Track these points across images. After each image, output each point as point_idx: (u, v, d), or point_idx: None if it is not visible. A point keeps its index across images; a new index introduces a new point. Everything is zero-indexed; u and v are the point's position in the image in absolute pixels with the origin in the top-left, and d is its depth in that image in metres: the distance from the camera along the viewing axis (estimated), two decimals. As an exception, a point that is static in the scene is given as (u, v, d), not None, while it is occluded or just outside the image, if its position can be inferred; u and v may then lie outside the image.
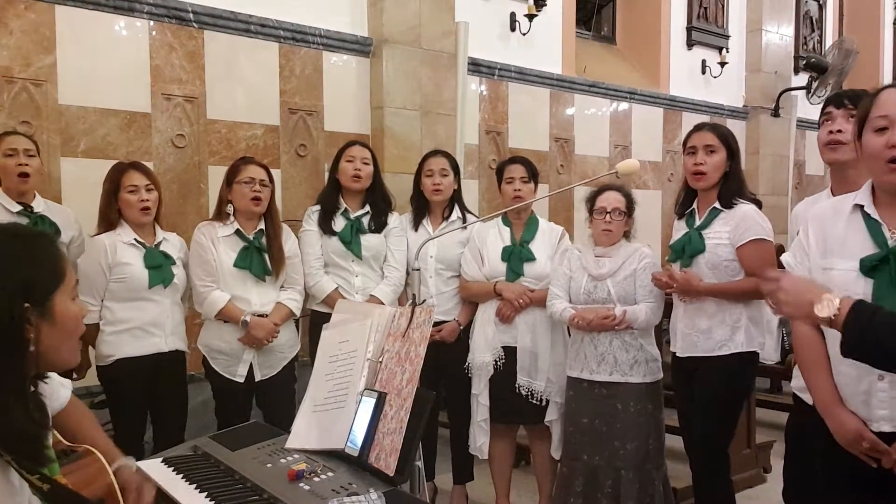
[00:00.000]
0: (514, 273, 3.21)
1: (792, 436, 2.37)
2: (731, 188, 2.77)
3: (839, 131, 2.29)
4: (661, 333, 3.17)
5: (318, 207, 3.38)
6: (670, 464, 3.11)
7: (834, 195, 2.31)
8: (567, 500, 3.03)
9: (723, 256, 2.72)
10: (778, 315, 1.68)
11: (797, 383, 2.32)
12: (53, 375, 1.59)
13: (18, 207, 2.97)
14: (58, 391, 1.59)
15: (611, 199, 2.99)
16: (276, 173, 4.17)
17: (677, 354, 2.86)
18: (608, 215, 2.97)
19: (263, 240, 3.10)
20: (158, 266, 2.95)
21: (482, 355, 3.21)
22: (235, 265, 3.04)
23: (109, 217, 2.96)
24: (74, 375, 3.18)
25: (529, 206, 3.29)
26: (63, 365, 1.28)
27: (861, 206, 1.80)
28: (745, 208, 2.74)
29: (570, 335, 3.17)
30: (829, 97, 2.46)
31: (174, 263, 3.02)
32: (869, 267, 1.72)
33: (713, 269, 2.73)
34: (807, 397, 2.22)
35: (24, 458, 1.15)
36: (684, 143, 2.89)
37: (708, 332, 2.74)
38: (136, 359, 2.94)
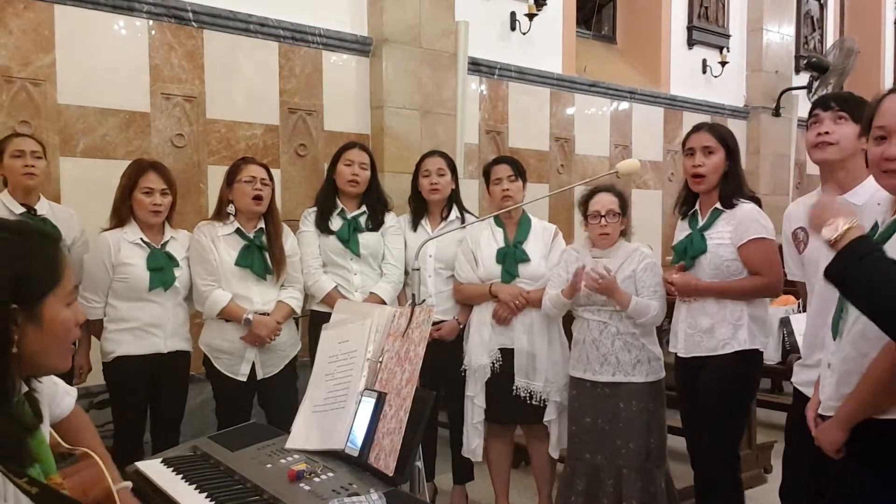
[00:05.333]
0: (509, 274, 3.20)
1: (792, 431, 2.39)
2: (731, 188, 2.77)
3: (826, 133, 2.29)
4: (663, 333, 3.16)
5: (314, 209, 3.38)
6: (671, 464, 3.10)
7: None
8: (569, 499, 3.03)
9: (724, 256, 2.72)
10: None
11: (797, 378, 2.34)
12: (59, 382, 1.57)
13: (22, 210, 2.99)
14: (62, 398, 1.57)
15: (604, 202, 2.98)
16: (275, 173, 4.17)
17: (680, 355, 2.85)
18: (603, 218, 2.96)
19: (264, 238, 3.11)
20: (160, 268, 2.97)
21: (479, 357, 3.20)
22: (237, 264, 3.05)
23: (121, 213, 2.99)
24: (75, 379, 3.20)
25: (522, 206, 3.29)
26: (50, 370, 1.24)
27: (878, 205, 1.84)
28: (745, 208, 2.74)
29: (571, 337, 3.17)
30: (815, 100, 2.46)
31: (177, 265, 3.03)
32: None
33: (715, 269, 2.73)
34: (805, 390, 2.26)
35: (6, 459, 1.11)
36: (683, 144, 2.89)
37: (710, 332, 2.74)
38: (136, 357, 2.96)
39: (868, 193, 2.15)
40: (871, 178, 2.20)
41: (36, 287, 1.15)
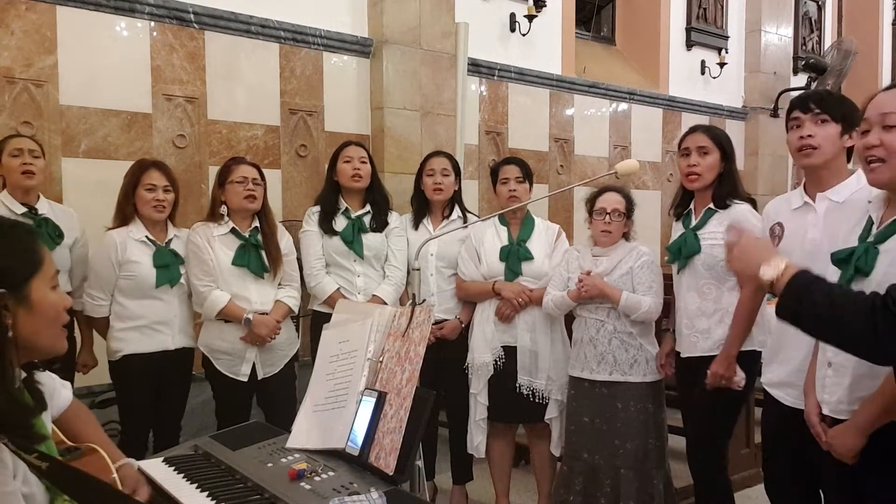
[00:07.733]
0: (513, 272, 3.22)
1: (768, 432, 2.41)
2: (726, 189, 2.78)
3: (809, 136, 2.26)
4: (661, 333, 3.18)
5: (318, 208, 3.39)
6: (673, 463, 3.12)
7: (807, 193, 2.34)
8: (567, 499, 3.05)
9: (718, 257, 2.71)
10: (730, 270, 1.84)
11: (766, 378, 2.36)
12: (55, 377, 1.60)
13: (23, 209, 3.01)
14: (59, 392, 1.59)
15: (611, 201, 3.01)
16: (276, 174, 4.22)
17: (681, 355, 2.87)
18: (608, 216, 2.99)
19: (259, 237, 3.12)
20: (166, 266, 3.00)
21: (482, 355, 3.22)
22: (234, 263, 3.06)
23: (125, 211, 3.02)
24: (82, 372, 3.23)
25: (525, 206, 3.31)
26: (47, 351, 1.29)
27: (869, 202, 1.86)
28: (739, 208, 2.76)
29: (571, 335, 3.19)
30: (793, 100, 2.40)
31: (182, 263, 3.07)
32: (836, 261, 1.80)
33: (709, 269, 2.75)
34: (775, 393, 2.28)
35: (15, 435, 1.15)
36: (679, 145, 2.91)
37: (707, 333, 2.76)
38: (144, 355, 2.99)
39: (849, 191, 2.19)
40: (852, 177, 2.24)
41: (20, 272, 1.22)
